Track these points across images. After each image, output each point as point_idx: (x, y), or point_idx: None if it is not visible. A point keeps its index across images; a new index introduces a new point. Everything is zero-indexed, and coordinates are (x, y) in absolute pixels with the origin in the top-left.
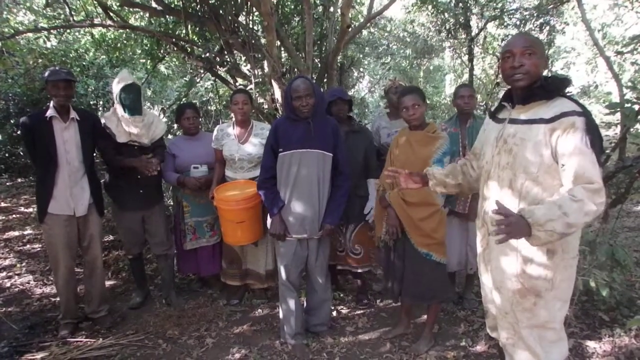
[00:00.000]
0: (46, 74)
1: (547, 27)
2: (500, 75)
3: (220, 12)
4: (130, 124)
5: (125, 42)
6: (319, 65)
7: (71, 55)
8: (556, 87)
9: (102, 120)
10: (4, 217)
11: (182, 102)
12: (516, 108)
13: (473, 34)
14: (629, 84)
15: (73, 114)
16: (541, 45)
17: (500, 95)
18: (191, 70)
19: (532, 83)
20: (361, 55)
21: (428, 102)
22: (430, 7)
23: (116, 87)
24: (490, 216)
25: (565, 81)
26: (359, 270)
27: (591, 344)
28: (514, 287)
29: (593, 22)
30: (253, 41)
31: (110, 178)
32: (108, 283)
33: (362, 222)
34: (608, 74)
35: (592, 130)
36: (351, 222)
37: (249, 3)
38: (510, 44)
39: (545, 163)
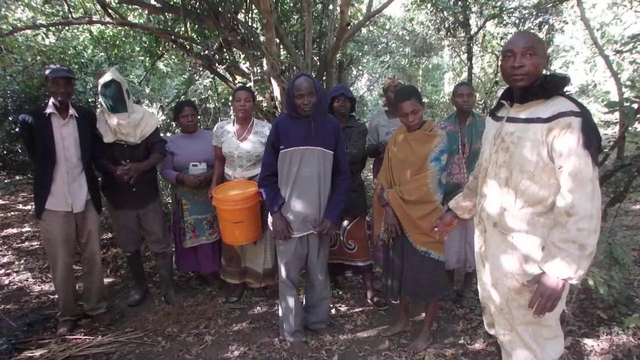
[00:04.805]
0: (47, 71)
1: (546, 26)
2: (499, 74)
3: (220, 9)
4: (115, 120)
5: (123, 39)
6: (318, 63)
7: (70, 52)
8: (555, 86)
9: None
10: (2, 215)
11: (180, 100)
12: (514, 106)
13: (472, 32)
14: (628, 82)
15: (72, 111)
16: (542, 45)
17: (499, 93)
18: (190, 68)
19: (532, 83)
20: (360, 53)
21: (427, 100)
22: (429, 5)
23: (99, 86)
24: (486, 214)
25: (564, 80)
26: (359, 264)
27: (589, 342)
28: (511, 284)
29: (592, 21)
30: (252, 39)
31: (104, 176)
32: (107, 280)
33: (356, 218)
34: (607, 73)
35: (589, 130)
36: (345, 217)
37: (248, 0)
38: (512, 43)
39: (542, 162)
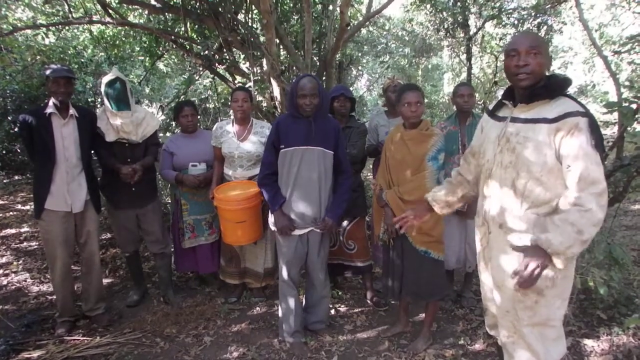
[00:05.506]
0: (47, 70)
1: (545, 27)
2: (498, 75)
3: (220, 9)
4: (118, 119)
5: (123, 39)
6: (318, 63)
7: (69, 52)
8: (559, 86)
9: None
10: (0, 215)
11: (180, 100)
12: (519, 107)
13: (471, 33)
14: (627, 83)
15: (72, 111)
16: (546, 45)
17: (498, 94)
18: (190, 68)
19: (535, 83)
20: (360, 54)
21: (427, 101)
22: (428, 6)
23: (102, 84)
24: (491, 215)
25: (567, 81)
26: (359, 265)
27: (589, 343)
28: (516, 286)
29: (590, 22)
30: (252, 39)
31: (103, 176)
32: (105, 281)
33: (356, 218)
34: (605, 74)
35: (595, 130)
36: (344, 217)
37: (248, 1)
38: (516, 42)
39: (549, 163)
